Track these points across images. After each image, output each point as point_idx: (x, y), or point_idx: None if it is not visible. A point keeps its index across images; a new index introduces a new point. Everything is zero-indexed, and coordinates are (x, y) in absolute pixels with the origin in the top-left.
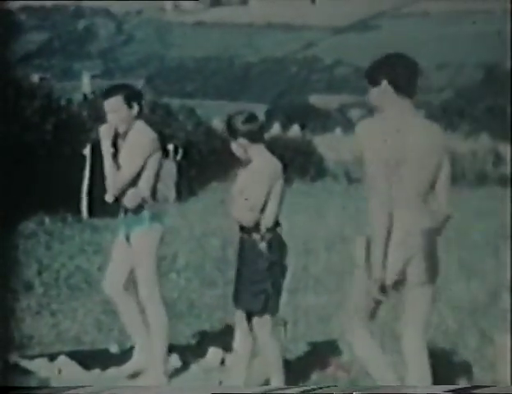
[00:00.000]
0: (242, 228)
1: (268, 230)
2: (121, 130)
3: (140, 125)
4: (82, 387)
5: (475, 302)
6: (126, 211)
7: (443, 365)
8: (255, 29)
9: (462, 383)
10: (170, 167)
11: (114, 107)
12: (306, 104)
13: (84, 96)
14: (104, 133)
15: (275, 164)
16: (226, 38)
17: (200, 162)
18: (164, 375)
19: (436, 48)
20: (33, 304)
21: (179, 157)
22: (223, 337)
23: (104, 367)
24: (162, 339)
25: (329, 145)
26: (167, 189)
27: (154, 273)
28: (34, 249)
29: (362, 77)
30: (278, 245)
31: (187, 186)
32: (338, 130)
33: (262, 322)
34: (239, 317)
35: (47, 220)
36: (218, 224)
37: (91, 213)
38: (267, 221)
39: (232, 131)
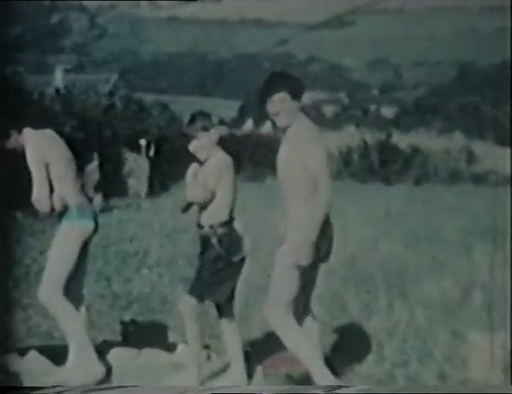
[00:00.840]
0: (198, 225)
1: (221, 225)
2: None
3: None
4: (82, 387)
5: (447, 300)
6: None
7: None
8: (229, 26)
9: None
10: (142, 163)
11: None
12: None
13: (57, 90)
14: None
15: (226, 161)
16: (200, 34)
17: (173, 158)
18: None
19: (411, 45)
20: (3, 299)
21: (151, 152)
22: None
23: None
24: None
25: None
26: (139, 184)
27: None
28: (5, 244)
29: (335, 74)
30: (231, 240)
31: (159, 181)
32: None
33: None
34: (189, 309)
35: (18, 215)
36: (190, 219)
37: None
38: (218, 216)
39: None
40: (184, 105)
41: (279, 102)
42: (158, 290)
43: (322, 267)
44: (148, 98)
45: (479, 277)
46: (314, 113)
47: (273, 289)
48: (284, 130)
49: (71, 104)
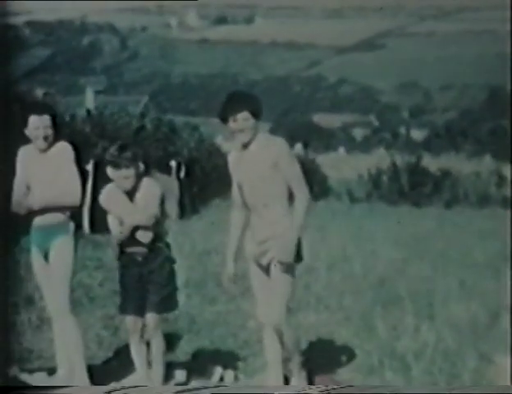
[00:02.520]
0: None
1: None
2: None
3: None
4: (84, 388)
5: (475, 323)
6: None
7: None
8: (259, 47)
9: None
10: (172, 184)
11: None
12: (309, 123)
13: (88, 112)
14: None
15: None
16: (231, 55)
17: (203, 180)
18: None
19: (441, 68)
20: (33, 318)
21: (182, 174)
22: (223, 354)
23: (104, 382)
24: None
25: (332, 164)
26: (170, 206)
27: None
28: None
29: (366, 96)
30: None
31: (190, 203)
32: (341, 150)
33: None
34: (134, 324)
35: None
36: (220, 241)
37: (93, 228)
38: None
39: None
40: (214, 127)
41: (242, 120)
42: (186, 311)
43: (351, 289)
44: (179, 119)
45: (507, 301)
46: (344, 136)
47: (275, 293)
48: (246, 145)
49: (102, 126)
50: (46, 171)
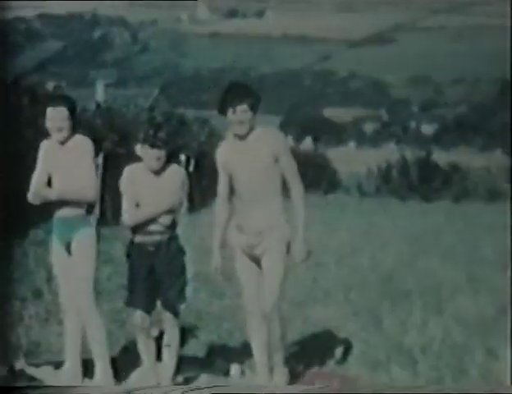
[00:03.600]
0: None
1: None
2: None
3: (81, 136)
4: (83, 387)
5: (482, 317)
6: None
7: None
8: (271, 41)
9: None
10: None
11: (62, 116)
12: (320, 117)
13: (98, 104)
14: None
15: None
16: (242, 49)
17: (212, 173)
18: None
19: (452, 62)
20: (41, 311)
21: (191, 167)
22: (231, 348)
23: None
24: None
25: (342, 158)
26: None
27: None
28: (44, 257)
29: (376, 91)
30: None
31: (199, 197)
32: (352, 144)
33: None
34: (142, 320)
35: None
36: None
37: (101, 221)
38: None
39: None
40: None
41: (241, 113)
42: (194, 305)
43: (359, 283)
44: (189, 113)
45: None
46: (354, 130)
47: (268, 284)
48: (244, 137)
49: (112, 119)
50: (65, 164)
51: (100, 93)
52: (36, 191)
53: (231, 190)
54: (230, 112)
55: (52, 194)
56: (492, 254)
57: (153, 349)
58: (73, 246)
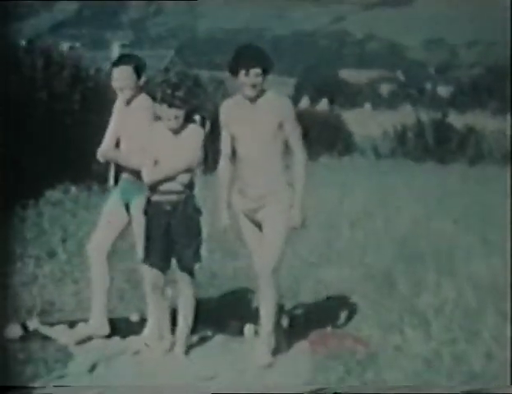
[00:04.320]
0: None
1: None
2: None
3: (145, 96)
4: (83, 387)
5: (496, 280)
6: (122, 180)
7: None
8: (286, 2)
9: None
10: None
11: (124, 75)
12: (336, 78)
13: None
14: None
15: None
16: (257, 10)
17: None
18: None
19: (467, 25)
20: (56, 271)
21: (206, 129)
22: (244, 309)
23: (124, 335)
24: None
25: (358, 120)
26: None
27: None
28: (60, 217)
29: (392, 52)
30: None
31: (213, 158)
32: (367, 106)
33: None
34: (157, 278)
35: (73, 189)
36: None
37: (117, 181)
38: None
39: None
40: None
41: (254, 76)
42: (208, 266)
43: (373, 245)
44: (204, 74)
45: None
46: (370, 92)
47: (268, 248)
48: (254, 100)
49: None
50: (129, 125)
51: (115, 54)
52: (104, 152)
53: (233, 152)
54: (242, 73)
55: (119, 158)
56: (506, 217)
57: (167, 310)
58: (132, 207)
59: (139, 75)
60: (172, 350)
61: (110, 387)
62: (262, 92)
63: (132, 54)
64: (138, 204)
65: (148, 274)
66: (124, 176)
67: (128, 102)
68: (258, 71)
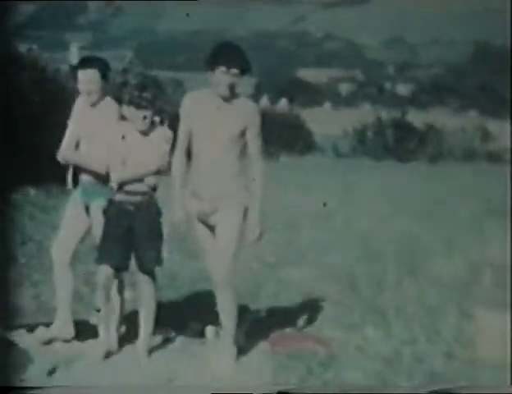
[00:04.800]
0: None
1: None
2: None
3: (110, 99)
4: (83, 387)
5: (457, 278)
6: (82, 182)
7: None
8: (246, 3)
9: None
10: None
11: (91, 78)
12: (295, 78)
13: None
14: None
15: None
16: (216, 11)
17: None
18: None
19: (427, 23)
20: (15, 274)
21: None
22: (205, 310)
23: (83, 338)
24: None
25: (318, 119)
26: None
27: None
28: (19, 220)
29: (351, 52)
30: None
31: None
32: (327, 105)
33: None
34: (108, 277)
35: (32, 191)
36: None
37: (76, 184)
38: None
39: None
40: (198, 82)
41: (232, 75)
42: (168, 267)
43: (334, 245)
44: (164, 75)
45: (490, 256)
46: (330, 91)
47: (222, 252)
48: (226, 100)
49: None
50: (93, 128)
51: (74, 55)
52: (64, 154)
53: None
54: (221, 70)
55: (79, 160)
56: (467, 215)
57: (114, 312)
58: (92, 209)
59: (104, 78)
60: (116, 353)
61: (110, 387)
62: (236, 94)
63: (97, 57)
64: (98, 206)
65: (101, 274)
66: (84, 177)
67: (93, 104)
68: (237, 71)
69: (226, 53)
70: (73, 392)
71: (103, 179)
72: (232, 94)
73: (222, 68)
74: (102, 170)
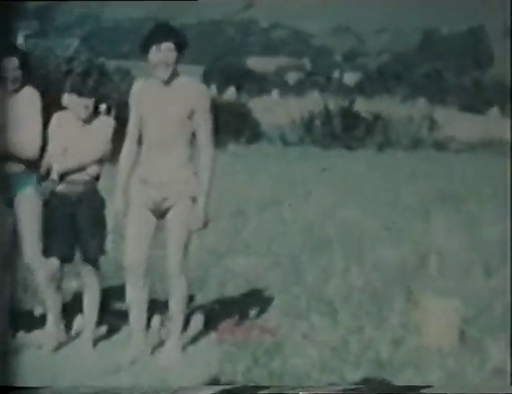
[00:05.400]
0: None
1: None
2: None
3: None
4: (84, 387)
5: (403, 265)
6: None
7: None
8: None
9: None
10: None
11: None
12: (242, 67)
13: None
14: None
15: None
16: None
17: None
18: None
19: (374, 11)
20: None
21: (112, 117)
22: (151, 299)
23: (28, 329)
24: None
25: (265, 108)
26: None
27: None
28: None
29: (298, 40)
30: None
31: (119, 147)
32: (275, 93)
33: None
34: (55, 269)
35: None
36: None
37: None
38: None
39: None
40: (145, 71)
41: (166, 51)
42: (113, 257)
43: (280, 233)
44: (110, 63)
45: (436, 243)
46: (277, 79)
47: (174, 242)
48: (167, 82)
49: (32, 69)
50: (12, 115)
51: (20, 43)
52: None
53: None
54: (153, 49)
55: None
56: (413, 202)
57: (59, 305)
58: (16, 202)
59: (24, 66)
60: (69, 343)
61: (109, 387)
62: (176, 75)
63: (16, 46)
64: (26, 196)
65: (47, 266)
66: (2, 168)
67: (14, 92)
68: (170, 45)
69: (155, 31)
70: (73, 392)
71: (31, 166)
72: (172, 75)
73: (153, 47)
74: (30, 157)
